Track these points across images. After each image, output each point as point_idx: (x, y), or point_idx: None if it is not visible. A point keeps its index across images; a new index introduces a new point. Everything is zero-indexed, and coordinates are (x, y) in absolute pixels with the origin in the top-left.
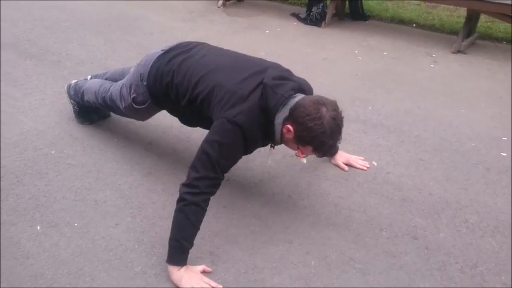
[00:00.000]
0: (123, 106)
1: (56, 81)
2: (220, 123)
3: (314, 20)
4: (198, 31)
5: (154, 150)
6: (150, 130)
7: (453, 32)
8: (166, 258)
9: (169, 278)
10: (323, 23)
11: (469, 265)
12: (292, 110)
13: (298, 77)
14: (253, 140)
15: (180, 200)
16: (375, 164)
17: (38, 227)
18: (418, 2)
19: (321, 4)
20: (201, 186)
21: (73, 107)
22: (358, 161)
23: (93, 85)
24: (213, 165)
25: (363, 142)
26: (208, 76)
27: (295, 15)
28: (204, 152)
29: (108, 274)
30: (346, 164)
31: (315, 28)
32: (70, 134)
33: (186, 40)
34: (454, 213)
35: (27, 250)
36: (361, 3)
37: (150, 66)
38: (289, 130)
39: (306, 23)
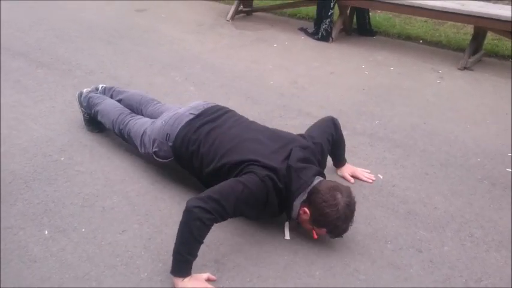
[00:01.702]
0: (143, 151)
1: (66, 89)
2: (250, 175)
3: (322, 35)
4: (207, 43)
5: None
6: None
7: (460, 49)
8: (170, 269)
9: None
10: (330, 38)
11: (474, 279)
12: (310, 195)
13: (318, 139)
14: (272, 203)
15: (187, 212)
16: (381, 177)
17: (46, 232)
18: (425, 18)
19: (328, 20)
20: (212, 206)
21: (83, 115)
22: (364, 173)
23: (110, 110)
24: (230, 199)
25: (369, 155)
26: (237, 147)
27: (303, 30)
28: (229, 185)
29: (114, 279)
30: (352, 176)
31: (322, 43)
32: (79, 142)
33: (194, 52)
34: (458, 227)
35: (34, 254)
36: (369, 19)
37: (178, 130)
38: (305, 212)
39: (314, 38)
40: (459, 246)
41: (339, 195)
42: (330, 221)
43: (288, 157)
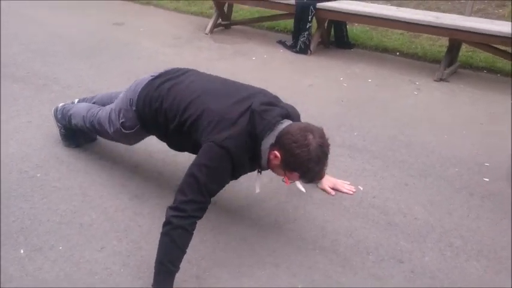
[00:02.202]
0: (112, 130)
1: (43, 104)
2: (209, 147)
3: (300, 48)
4: (185, 57)
5: (141, 173)
6: (136, 153)
7: (435, 61)
8: (152, 282)
9: None
10: (309, 51)
11: None
12: (279, 137)
13: (286, 103)
14: (241, 164)
15: (166, 224)
16: (361, 189)
17: (22, 251)
18: (401, 31)
19: (306, 33)
20: (188, 209)
21: (60, 130)
22: (344, 185)
23: (81, 109)
24: (201, 189)
25: (349, 167)
26: (197, 101)
27: (282, 43)
28: (191, 176)
29: None
30: (332, 188)
31: (301, 55)
32: (56, 157)
33: (173, 65)
34: (438, 237)
35: (10, 274)
36: (346, 31)
37: (139, 91)
38: (276, 156)
39: (292, 51)
40: (439, 256)
41: (310, 136)
42: (301, 162)
43: (251, 107)
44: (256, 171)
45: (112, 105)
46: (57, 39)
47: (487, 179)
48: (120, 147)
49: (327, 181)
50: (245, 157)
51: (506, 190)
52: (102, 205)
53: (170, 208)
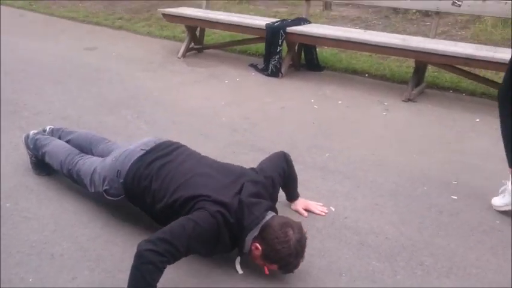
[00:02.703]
0: (93, 190)
1: (13, 131)
2: (201, 212)
3: (272, 71)
4: (157, 81)
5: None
6: None
7: (403, 82)
8: None
9: None
10: (280, 73)
11: None
12: (262, 230)
13: (269, 173)
14: (224, 238)
15: (139, 255)
16: (333, 209)
17: None
18: (369, 53)
19: (277, 56)
20: (163, 248)
21: (30, 158)
22: (317, 206)
23: (58, 152)
24: (183, 238)
25: (321, 188)
26: (188, 183)
27: (254, 66)
28: (180, 224)
29: None
30: (305, 210)
31: (272, 78)
32: (26, 186)
33: (145, 89)
34: (409, 256)
35: None
36: (316, 54)
37: (129, 165)
38: (257, 248)
39: (264, 74)
40: (411, 275)
41: (290, 232)
42: (282, 257)
43: (239, 192)
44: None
45: (96, 167)
46: (28, 65)
47: (455, 197)
48: None
49: (300, 203)
50: (228, 237)
51: (474, 206)
52: (74, 234)
53: (146, 241)
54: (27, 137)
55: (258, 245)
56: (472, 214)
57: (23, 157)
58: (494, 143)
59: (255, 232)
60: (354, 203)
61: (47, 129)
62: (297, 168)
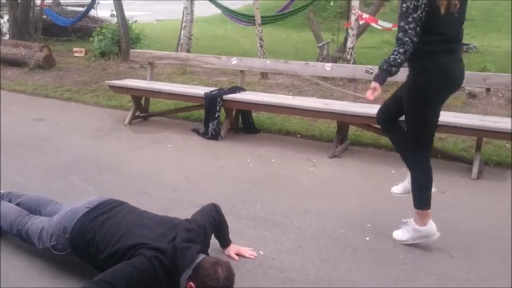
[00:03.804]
0: (41, 247)
1: None
2: (139, 257)
3: (212, 134)
4: (104, 147)
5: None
6: None
7: (330, 141)
8: None
9: None
10: (220, 137)
11: None
12: (195, 270)
13: (201, 222)
14: (161, 280)
15: None
16: (262, 253)
17: None
18: (300, 117)
19: (216, 121)
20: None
21: None
22: (247, 251)
23: (8, 213)
24: (121, 280)
25: (252, 235)
26: (129, 234)
27: (196, 131)
28: (120, 268)
29: None
30: (237, 254)
31: (213, 141)
32: None
33: (92, 156)
34: None
35: None
36: (252, 119)
37: (74, 222)
38: (192, 286)
39: (205, 137)
40: None
41: (219, 269)
42: None
43: (174, 239)
44: None
45: (44, 225)
46: None
47: (368, 238)
48: None
49: (232, 248)
50: (165, 280)
51: (383, 245)
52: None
53: (91, 282)
54: None
55: (192, 283)
56: (381, 251)
57: None
58: None
59: (189, 272)
60: (280, 247)
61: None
62: (231, 219)
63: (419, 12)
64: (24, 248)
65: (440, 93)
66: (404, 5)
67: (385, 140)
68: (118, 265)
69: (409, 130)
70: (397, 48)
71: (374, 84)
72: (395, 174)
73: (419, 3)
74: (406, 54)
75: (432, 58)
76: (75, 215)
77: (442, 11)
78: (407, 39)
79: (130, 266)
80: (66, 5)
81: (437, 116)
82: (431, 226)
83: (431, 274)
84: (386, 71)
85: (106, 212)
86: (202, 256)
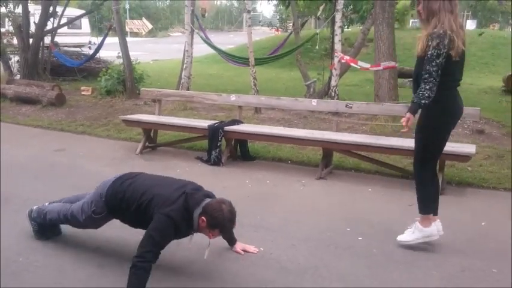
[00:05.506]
0: (83, 218)
1: (8, 215)
2: (158, 218)
3: (214, 161)
4: (121, 172)
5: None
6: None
7: (317, 165)
8: None
9: None
10: (221, 163)
11: None
12: (204, 208)
13: (207, 190)
14: (180, 228)
15: (132, 267)
16: (262, 249)
17: None
18: (291, 145)
19: (218, 150)
20: (147, 256)
21: (33, 227)
22: (250, 247)
23: (55, 207)
24: (154, 243)
25: (254, 237)
26: (149, 190)
27: (199, 158)
28: (149, 235)
29: None
30: (242, 250)
31: (215, 167)
32: (32, 247)
33: None
34: (314, 272)
35: None
36: (248, 147)
37: (107, 187)
38: (203, 221)
39: (208, 164)
40: (315, 284)
41: (223, 205)
42: (220, 222)
43: (185, 192)
44: (190, 238)
45: (84, 200)
46: (9, 166)
47: (347, 238)
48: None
49: (238, 245)
50: (183, 224)
51: (360, 242)
52: (75, 272)
53: (135, 256)
54: (31, 210)
55: (203, 218)
56: (357, 247)
57: (26, 230)
58: (380, 204)
59: (199, 210)
60: (277, 245)
61: (46, 205)
62: (236, 227)
63: (441, 58)
64: (71, 245)
65: (450, 118)
66: (429, 53)
67: (364, 164)
68: (147, 235)
69: (418, 151)
70: (423, 86)
71: (408, 115)
72: (371, 192)
73: (441, 52)
74: (432, 90)
75: (444, 92)
76: (107, 182)
77: (455, 56)
78: (432, 79)
79: (157, 231)
80: (63, 46)
81: (446, 140)
82: (433, 228)
83: (397, 263)
84: (417, 104)
85: (130, 178)
86: (208, 199)
